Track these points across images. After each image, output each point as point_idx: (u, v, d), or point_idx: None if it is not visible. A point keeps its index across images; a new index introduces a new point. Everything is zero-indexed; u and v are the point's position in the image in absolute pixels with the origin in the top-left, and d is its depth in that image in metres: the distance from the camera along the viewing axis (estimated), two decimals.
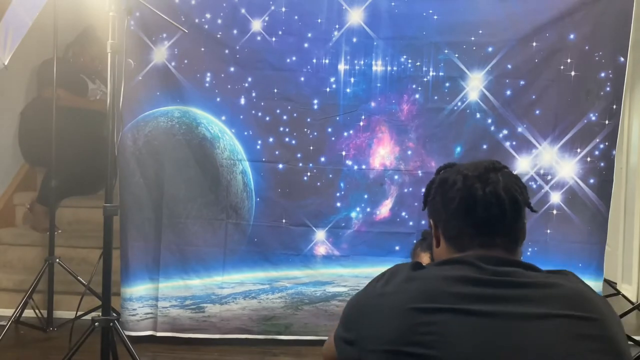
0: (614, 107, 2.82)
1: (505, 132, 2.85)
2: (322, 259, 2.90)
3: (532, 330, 0.94)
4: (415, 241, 2.86)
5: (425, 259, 2.65)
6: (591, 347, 0.94)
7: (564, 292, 0.99)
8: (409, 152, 2.88)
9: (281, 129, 2.85)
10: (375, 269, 2.91)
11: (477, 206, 1.05)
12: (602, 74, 2.81)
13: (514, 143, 2.85)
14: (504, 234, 1.07)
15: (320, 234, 2.89)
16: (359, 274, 2.92)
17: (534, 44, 2.79)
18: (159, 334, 2.87)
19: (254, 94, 2.83)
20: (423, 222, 2.89)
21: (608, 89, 2.81)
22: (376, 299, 1.06)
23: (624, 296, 3.65)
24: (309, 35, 2.81)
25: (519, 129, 2.84)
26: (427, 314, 0.96)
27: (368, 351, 1.01)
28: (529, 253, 2.83)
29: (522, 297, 0.97)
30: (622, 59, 2.80)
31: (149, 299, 2.87)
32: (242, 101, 2.84)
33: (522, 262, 1.06)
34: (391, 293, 1.04)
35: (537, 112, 2.84)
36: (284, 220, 2.87)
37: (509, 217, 1.06)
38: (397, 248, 2.90)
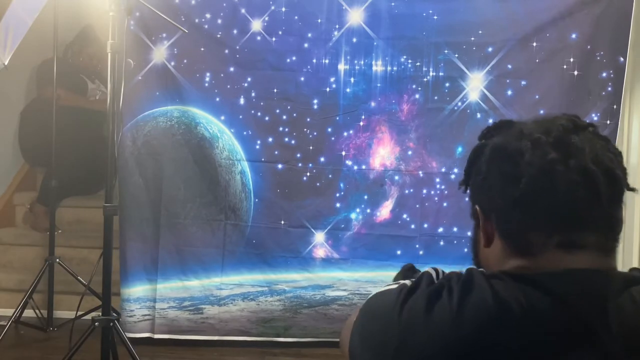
0: (615, 107, 2.82)
1: None
2: (321, 262, 2.89)
3: None
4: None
5: None
6: None
7: None
8: (410, 152, 2.87)
9: (281, 128, 2.85)
10: (376, 273, 2.90)
11: (557, 189, 0.72)
12: (604, 74, 2.80)
13: None
14: (596, 228, 0.74)
15: (319, 236, 2.88)
16: (359, 278, 2.90)
17: (535, 43, 2.78)
18: (156, 336, 2.86)
19: (253, 94, 2.83)
20: (425, 225, 2.88)
21: (609, 89, 2.80)
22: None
23: None
24: (309, 35, 2.81)
25: None
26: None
27: None
28: None
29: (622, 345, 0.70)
30: (622, 59, 2.79)
31: (147, 300, 2.86)
32: (242, 101, 2.84)
33: (629, 278, 0.75)
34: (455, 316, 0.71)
35: (541, 112, 2.82)
36: (282, 222, 2.87)
37: (605, 204, 0.73)
38: (398, 252, 2.88)
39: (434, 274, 0.86)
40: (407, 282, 0.81)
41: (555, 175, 0.72)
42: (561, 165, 0.72)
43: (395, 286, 0.80)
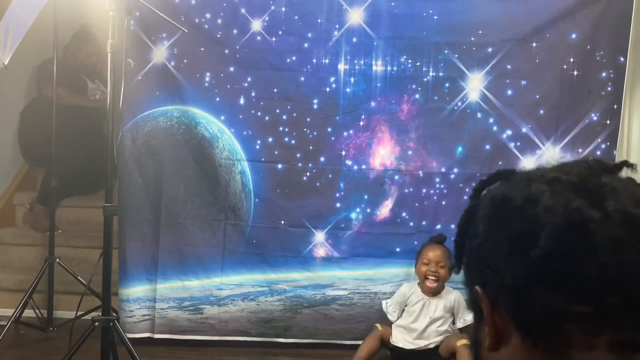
0: (615, 107, 2.81)
1: (509, 132, 2.83)
2: (322, 261, 2.89)
3: None
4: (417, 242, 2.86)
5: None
6: None
7: None
8: (410, 152, 2.87)
9: (280, 128, 2.85)
10: (375, 271, 2.90)
11: (596, 249, 0.49)
12: (604, 74, 2.80)
13: (518, 144, 2.83)
14: None
15: (319, 236, 2.88)
16: (359, 277, 2.91)
17: (534, 44, 2.78)
18: (156, 335, 2.86)
19: (253, 94, 2.83)
20: (424, 222, 2.89)
21: (609, 88, 2.80)
22: None
23: None
24: (309, 35, 2.81)
25: (524, 130, 2.83)
26: None
27: None
28: None
29: None
30: (622, 58, 2.79)
31: (147, 300, 2.86)
32: (242, 101, 2.84)
33: None
34: None
35: (541, 112, 2.83)
36: (282, 222, 2.86)
37: None
38: (397, 250, 2.89)
39: None
40: None
41: (589, 226, 0.49)
42: (595, 210, 0.50)
43: None
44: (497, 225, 0.55)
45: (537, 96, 2.82)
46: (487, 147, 2.85)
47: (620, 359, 0.49)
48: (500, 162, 2.84)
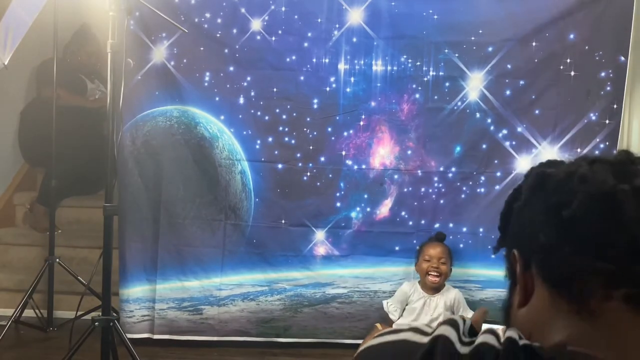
0: (615, 106, 2.82)
1: (504, 131, 2.84)
2: (322, 259, 2.89)
3: None
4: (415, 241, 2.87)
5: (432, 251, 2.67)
6: None
7: None
8: (409, 152, 2.87)
9: (280, 128, 2.85)
10: (375, 269, 2.91)
11: (623, 216, 0.56)
12: (603, 74, 2.80)
13: (513, 143, 2.85)
14: None
15: (319, 235, 2.88)
16: (359, 275, 2.91)
17: (534, 43, 2.78)
18: (155, 336, 2.86)
19: (253, 94, 2.83)
20: (423, 221, 2.89)
21: (608, 88, 2.80)
22: None
23: None
24: (309, 34, 2.81)
25: (519, 129, 2.84)
26: None
27: None
28: None
29: None
30: (622, 58, 2.79)
31: (146, 301, 2.86)
32: (241, 100, 2.84)
33: None
34: None
35: (537, 111, 2.84)
36: (283, 221, 2.87)
37: None
38: (397, 248, 2.90)
39: (454, 335, 0.60)
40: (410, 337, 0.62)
41: (619, 196, 0.56)
42: (625, 185, 0.56)
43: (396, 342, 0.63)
44: (537, 194, 0.63)
45: (534, 96, 2.82)
46: (484, 146, 2.85)
47: (634, 309, 0.55)
48: (496, 161, 2.85)
